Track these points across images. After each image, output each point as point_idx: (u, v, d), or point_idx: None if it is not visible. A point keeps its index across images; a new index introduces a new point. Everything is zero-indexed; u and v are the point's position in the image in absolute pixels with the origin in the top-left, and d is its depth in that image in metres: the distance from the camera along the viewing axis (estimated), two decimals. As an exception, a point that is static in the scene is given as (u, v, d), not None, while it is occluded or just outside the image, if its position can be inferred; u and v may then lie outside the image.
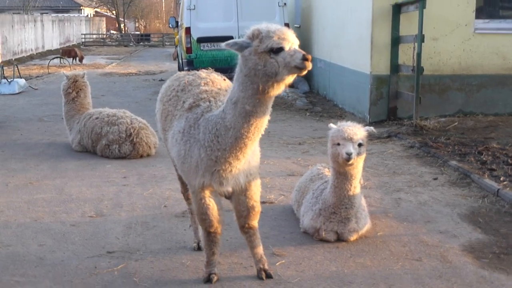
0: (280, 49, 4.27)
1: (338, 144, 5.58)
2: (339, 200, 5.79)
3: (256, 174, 4.97)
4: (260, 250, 5.18)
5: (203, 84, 5.11)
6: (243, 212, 5.02)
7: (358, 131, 5.62)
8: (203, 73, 5.37)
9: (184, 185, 5.80)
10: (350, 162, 5.52)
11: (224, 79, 5.37)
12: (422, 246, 5.85)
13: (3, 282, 5.15)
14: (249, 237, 5.13)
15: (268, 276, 5.12)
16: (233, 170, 4.70)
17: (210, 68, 5.62)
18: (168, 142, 5.16)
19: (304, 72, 4.32)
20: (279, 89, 4.40)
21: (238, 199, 4.99)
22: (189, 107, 4.93)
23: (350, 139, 5.53)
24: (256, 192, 5.02)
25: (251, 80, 4.37)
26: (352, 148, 5.49)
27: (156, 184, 8.17)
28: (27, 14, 47.01)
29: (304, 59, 4.22)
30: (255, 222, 5.10)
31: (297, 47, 4.31)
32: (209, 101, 4.89)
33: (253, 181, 4.93)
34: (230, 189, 4.95)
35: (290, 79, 4.36)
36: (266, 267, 5.16)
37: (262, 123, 4.52)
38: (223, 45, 4.47)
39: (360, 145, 5.57)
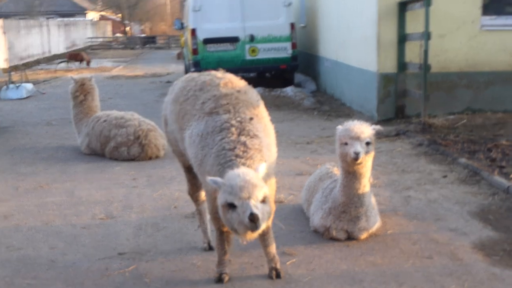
0: (233, 205, 4.26)
1: (346, 143, 5.58)
2: (348, 199, 5.79)
3: (271, 174, 4.99)
4: (273, 249, 5.18)
5: (222, 85, 5.13)
6: None
7: (365, 129, 5.61)
8: (218, 73, 5.39)
9: (192, 187, 5.84)
10: (358, 161, 5.52)
11: (240, 78, 5.38)
12: (432, 244, 5.84)
13: (15, 285, 5.18)
14: (262, 236, 5.10)
15: (278, 276, 5.13)
16: None
17: (217, 69, 5.64)
18: (185, 141, 5.16)
19: (256, 233, 4.32)
20: (251, 237, 4.46)
21: None
22: (209, 111, 4.96)
23: (358, 138, 5.53)
24: (270, 191, 5.02)
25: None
26: (359, 147, 5.49)
27: (165, 185, 8.19)
28: (32, 19, 47.13)
29: (251, 219, 4.13)
30: (268, 221, 5.10)
31: (254, 204, 4.19)
32: (229, 112, 4.91)
33: (268, 180, 4.93)
34: None
35: (254, 235, 4.36)
36: (278, 266, 5.17)
37: None
38: (208, 180, 4.47)
39: (368, 143, 5.57)
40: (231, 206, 4.28)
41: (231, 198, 4.25)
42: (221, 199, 4.34)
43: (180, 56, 36.42)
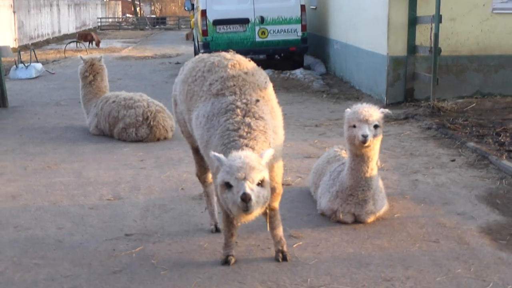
0: (229, 185, 4.27)
1: (354, 126, 5.57)
2: (356, 182, 5.78)
3: (279, 157, 4.99)
4: (280, 231, 5.20)
5: (230, 67, 5.10)
6: None
7: (373, 112, 5.59)
8: (228, 54, 5.37)
9: (200, 168, 5.84)
10: (366, 144, 5.50)
11: (249, 60, 5.36)
12: (439, 228, 5.83)
13: (22, 265, 5.21)
14: (269, 218, 5.14)
15: (284, 258, 5.14)
16: None
17: (227, 50, 5.62)
18: (192, 123, 5.17)
19: (250, 215, 4.32)
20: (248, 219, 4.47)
21: None
22: (216, 93, 4.94)
23: (366, 121, 5.52)
24: (278, 174, 5.04)
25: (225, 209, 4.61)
26: (367, 130, 5.48)
27: (173, 167, 8.20)
28: (43, -2, 47.07)
29: (243, 199, 4.12)
30: (276, 204, 5.12)
31: (248, 185, 4.18)
32: (235, 94, 4.89)
33: (275, 163, 4.94)
34: None
35: (248, 217, 4.38)
36: (285, 249, 5.19)
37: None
38: (211, 155, 4.47)
39: (376, 126, 5.55)
40: (228, 185, 4.28)
41: (228, 177, 4.26)
42: (219, 178, 4.36)
43: (189, 37, 36.35)
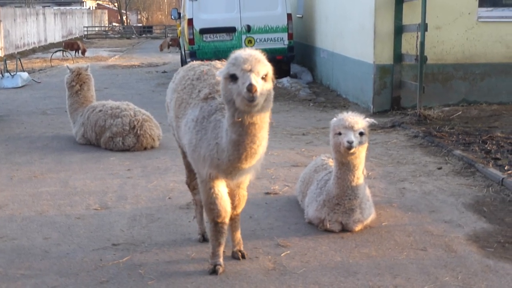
0: (234, 77, 4.28)
1: (340, 133, 5.60)
2: (342, 192, 5.79)
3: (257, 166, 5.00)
4: (239, 233, 5.46)
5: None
6: (235, 202, 5.22)
7: (359, 120, 5.63)
8: (218, 63, 5.39)
9: (190, 174, 5.83)
10: (351, 151, 5.51)
11: None
12: (427, 236, 5.85)
13: (8, 276, 5.17)
14: (234, 222, 5.37)
15: (243, 256, 5.37)
16: (237, 171, 4.77)
17: (214, 59, 5.63)
18: (181, 130, 5.19)
19: (254, 108, 4.25)
20: (252, 118, 4.36)
21: (232, 190, 5.15)
22: (204, 97, 4.97)
23: (351, 128, 5.55)
24: (246, 181, 5.20)
25: (227, 107, 4.45)
26: (353, 136, 5.50)
27: (160, 176, 8.18)
28: (29, 7, 46.97)
29: (249, 89, 4.14)
30: (240, 210, 5.36)
31: (254, 76, 4.19)
32: None
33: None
34: (240, 181, 5.07)
35: (252, 109, 4.28)
36: (242, 248, 5.44)
37: (254, 152, 4.54)
38: (217, 73, 4.51)
39: (361, 134, 5.57)
40: (233, 77, 4.29)
41: (234, 69, 4.29)
42: (223, 72, 4.38)
43: (162, 48, 36.28)
